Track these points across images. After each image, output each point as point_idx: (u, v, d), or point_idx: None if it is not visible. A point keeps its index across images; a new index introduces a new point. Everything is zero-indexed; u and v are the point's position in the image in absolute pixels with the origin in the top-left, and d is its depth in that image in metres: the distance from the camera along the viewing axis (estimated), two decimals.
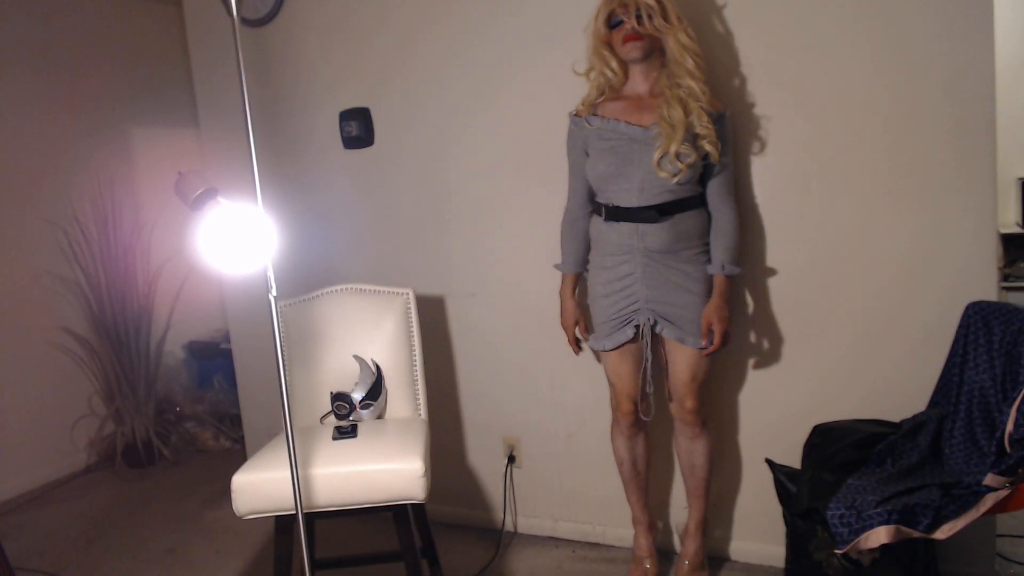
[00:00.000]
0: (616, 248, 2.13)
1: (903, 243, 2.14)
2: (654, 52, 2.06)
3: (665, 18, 2.00)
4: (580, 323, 2.33)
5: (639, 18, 2.00)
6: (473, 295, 2.72)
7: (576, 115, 2.18)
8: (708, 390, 2.28)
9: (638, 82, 2.11)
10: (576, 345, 2.35)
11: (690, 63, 2.00)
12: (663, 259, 2.09)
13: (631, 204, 2.08)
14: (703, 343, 2.11)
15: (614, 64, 2.10)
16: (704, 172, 2.10)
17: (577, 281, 2.34)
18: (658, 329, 2.14)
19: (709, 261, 2.15)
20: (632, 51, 2.04)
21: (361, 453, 1.98)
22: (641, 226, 2.08)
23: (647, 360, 2.18)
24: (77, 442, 3.78)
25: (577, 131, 2.19)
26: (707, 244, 2.15)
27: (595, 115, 2.13)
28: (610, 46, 2.09)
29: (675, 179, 2.01)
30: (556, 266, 2.36)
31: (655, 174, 2.02)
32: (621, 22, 2.03)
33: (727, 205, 2.14)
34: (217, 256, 1.72)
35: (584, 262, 2.31)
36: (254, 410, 3.28)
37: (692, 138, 2.01)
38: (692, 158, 2.00)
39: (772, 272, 2.30)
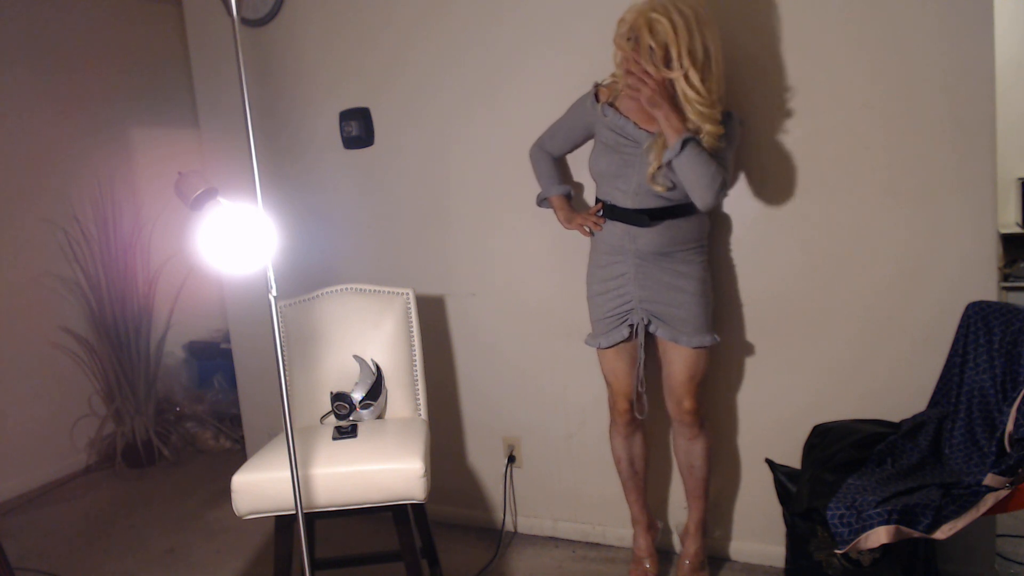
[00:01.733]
0: (609, 247, 2.14)
1: (903, 243, 2.14)
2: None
3: (667, 61, 1.89)
4: (582, 219, 2.20)
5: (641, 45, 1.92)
6: (473, 295, 2.72)
7: (596, 95, 2.15)
8: (706, 390, 2.28)
9: None
10: (591, 222, 2.17)
11: (690, 110, 1.92)
12: (655, 260, 2.09)
13: (626, 205, 2.08)
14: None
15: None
16: None
17: (567, 201, 2.32)
18: (652, 328, 2.14)
19: (703, 260, 2.15)
20: (630, 88, 1.99)
21: (361, 453, 1.98)
22: (632, 228, 2.08)
23: (640, 360, 2.19)
24: (77, 442, 3.78)
25: (590, 107, 2.16)
26: (702, 245, 2.15)
27: (612, 106, 2.12)
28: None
29: (658, 189, 2.00)
30: (538, 196, 2.34)
31: (651, 180, 2.02)
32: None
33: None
34: (217, 256, 1.72)
35: (561, 182, 2.34)
36: (254, 410, 3.28)
37: None
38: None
39: (772, 272, 2.30)
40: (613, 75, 2.12)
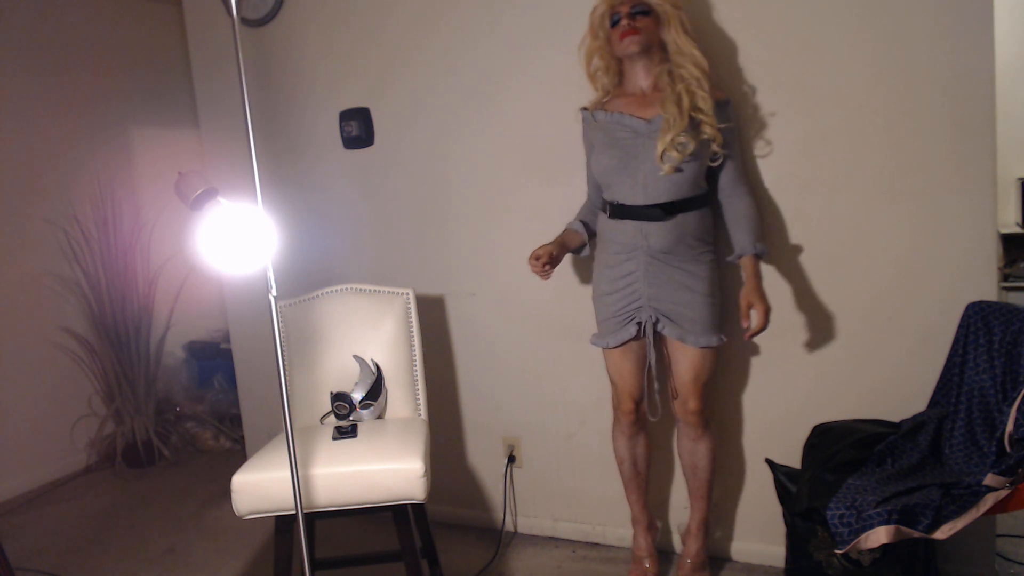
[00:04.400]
0: (620, 247, 2.14)
1: (903, 243, 2.14)
2: (653, 47, 2.06)
3: (656, 20, 2.02)
4: (547, 258, 2.15)
5: (634, 15, 2.01)
6: (473, 295, 2.72)
7: (584, 108, 2.20)
8: (711, 390, 2.28)
9: (640, 78, 2.11)
10: (537, 269, 2.17)
11: (697, 52, 2.01)
12: (666, 258, 2.09)
13: (636, 202, 2.08)
14: (744, 324, 2.04)
15: (608, 76, 2.13)
16: (711, 169, 2.10)
17: (572, 245, 2.27)
18: (660, 327, 2.14)
19: (712, 260, 2.15)
20: (630, 46, 2.04)
21: (361, 453, 1.98)
22: (645, 225, 2.08)
23: (651, 359, 2.18)
24: (77, 442, 3.78)
25: (587, 128, 2.20)
26: (710, 244, 2.15)
27: (602, 110, 2.14)
28: (609, 48, 2.09)
29: (665, 171, 2.00)
30: (578, 221, 2.31)
31: (659, 170, 2.02)
32: (619, 20, 2.04)
33: (742, 191, 2.14)
34: (217, 256, 1.72)
35: (582, 224, 2.29)
36: (254, 410, 3.28)
37: (695, 126, 2.00)
38: (691, 147, 1.99)
39: (772, 272, 2.29)
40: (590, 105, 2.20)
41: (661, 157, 2.01)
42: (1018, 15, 3.91)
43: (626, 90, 2.14)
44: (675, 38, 2.02)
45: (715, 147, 2.04)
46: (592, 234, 2.29)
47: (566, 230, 2.30)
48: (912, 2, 2.03)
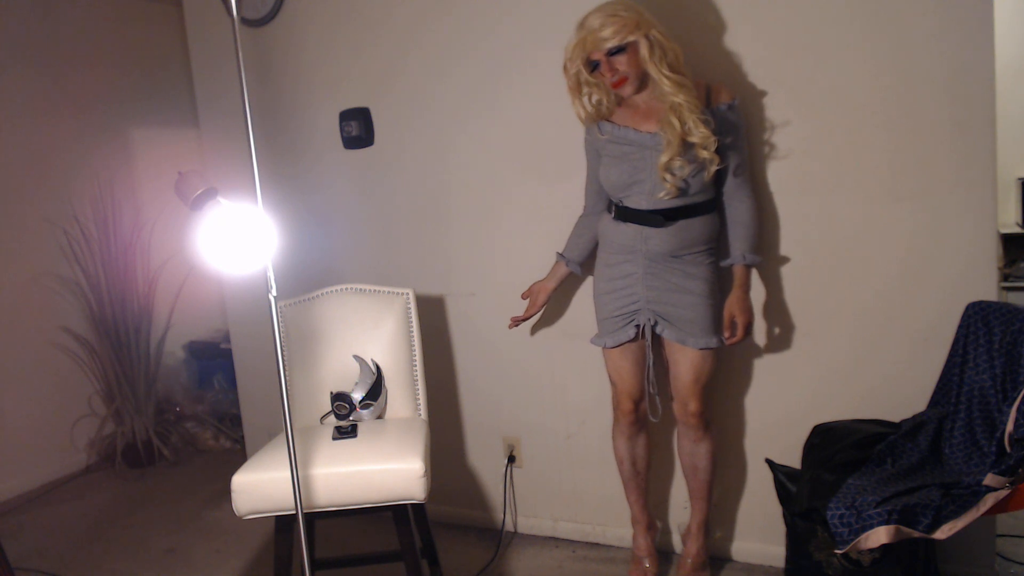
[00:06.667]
0: (619, 248, 2.14)
1: (903, 243, 2.14)
2: (645, 74, 2.02)
3: (634, 50, 1.97)
4: (534, 309, 2.40)
5: (610, 56, 1.97)
6: (473, 295, 2.72)
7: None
8: (711, 392, 2.28)
9: (636, 96, 2.09)
10: (515, 321, 2.44)
11: (667, 84, 1.97)
12: (665, 261, 2.09)
13: (640, 207, 2.08)
14: (725, 334, 2.11)
15: (608, 98, 2.11)
16: (717, 172, 2.09)
17: (566, 277, 2.39)
18: (658, 330, 2.14)
19: (712, 262, 2.15)
20: (623, 91, 2.04)
21: (361, 453, 1.98)
22: (646, 229, 2.08)
23: (649, 362, 2.19)
24: (77, 442, 3.78)
25: (590, 134, 2.19)
26: (711, 247, 2.15)
27: (607, 121, 2.13)
28: (599, 82, 2.06)
29: (663, 195, 2.02)
30: (558, 253, 2.38)
31: (664, 181, 2.02)
32: (598, 65, 2.01)
33: (744, 193, 2.14)
34: (217, 256, 1.72)
35: (581, 264, 2.35)
36: (254, 410, 3.28)
37: (689, 149, 1.99)
38: (687, 171, 2.00)
39: (772, 272, 2.30)
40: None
41: (663, 179, 2.01)
42: (1018, 15, 3.92)
43: (627, 102, 2.12)
44: (648, 69, 1.98)
45: (713, 167, 2.02)
46: (581, 263, 2.36)
47: (562, 266, 2.38)
48: (912, 2, 2.03)
